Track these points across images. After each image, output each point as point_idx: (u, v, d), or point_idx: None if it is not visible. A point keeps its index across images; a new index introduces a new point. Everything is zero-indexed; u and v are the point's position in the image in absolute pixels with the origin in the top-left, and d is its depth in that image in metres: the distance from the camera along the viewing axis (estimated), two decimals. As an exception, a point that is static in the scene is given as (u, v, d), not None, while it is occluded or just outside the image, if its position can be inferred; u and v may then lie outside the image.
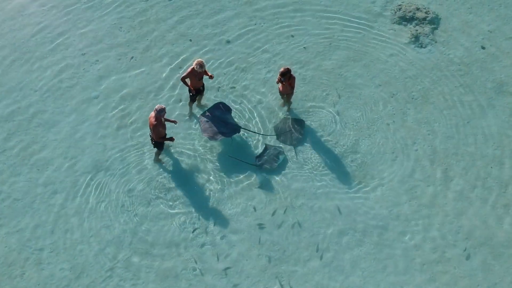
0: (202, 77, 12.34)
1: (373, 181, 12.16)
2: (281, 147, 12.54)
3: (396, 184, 12.11)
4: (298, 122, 12.83)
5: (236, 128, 12.45)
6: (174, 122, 12.13)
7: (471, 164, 12.31)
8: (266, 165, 12.31)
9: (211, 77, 12.40)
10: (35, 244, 11.48)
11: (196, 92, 12.61)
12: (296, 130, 12.72)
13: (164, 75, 13.80)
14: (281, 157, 12.38)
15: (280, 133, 12.75)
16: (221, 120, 12.39)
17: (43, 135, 12.90)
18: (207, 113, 12.50)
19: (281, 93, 12.79)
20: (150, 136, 11.98)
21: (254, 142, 12.78)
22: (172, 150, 12.64)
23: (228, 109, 12.60)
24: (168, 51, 14.21)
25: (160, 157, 12.46)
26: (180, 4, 15.07)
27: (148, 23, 14.72)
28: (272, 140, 12.78)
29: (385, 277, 11.08)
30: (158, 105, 11.41)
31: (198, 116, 12.64)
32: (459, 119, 12.94)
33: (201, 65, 11.82)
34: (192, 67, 12.01)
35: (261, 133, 12.79)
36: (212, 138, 12.26)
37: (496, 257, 11.19)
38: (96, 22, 14.76)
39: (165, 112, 11.43)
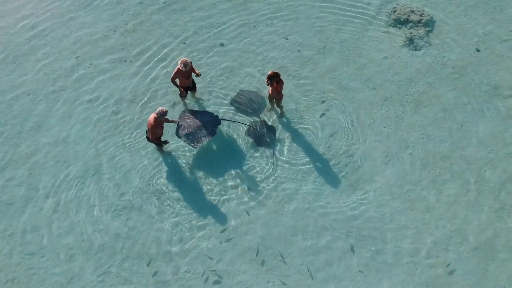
0: (190, 76, 12.41)
1: (366, 185, 12.11)
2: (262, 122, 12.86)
3: (390, 188, 12.06)
4: (254, 94, 13.17)
5: (216, 122, 12.39)
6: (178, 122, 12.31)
7: (464, 167, 12.26)
8: (266, 139, 12.59)
9: (198, 74, 12.41)
10: (26, 249, 11.45)
11: (186, 90, 12.70)
12: (253, 101, 13.01)
13: (157, 78, 13.76)
14: (272, 128, 12.75)
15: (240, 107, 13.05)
16: (198, 125, 12.28)
17: (35, 138, 12.86)
18: (181, 129, 12.24)
19: (270, 97, 12.74)
20: (147, 134, 12.00)
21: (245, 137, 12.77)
22: (166, 153, 12.59)
23: (194, 112, 12.47)
24: (162, 54, 14.17)
25: (160, 152, 12.53)
26: (174, 7, 15.04)
27: (142, 25, 14.68)
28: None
29: (378, 282, 11.03)
30: (161, 108, 11.46)
31: (178, 133, 12.33)
32: (453, 122, 12.89)
33: (185, 64, 11.85)
34: (177, 67, 12.05)
35: (237, 121, 12.95)
36: (198, 143, 12.14)
37: (489, 262, 11.14)
38: (90, 25, 14.73)
39: (166, 116, 11.56)
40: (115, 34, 14.53)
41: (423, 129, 12.81)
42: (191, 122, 12.23)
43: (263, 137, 12.64)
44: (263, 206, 11.95)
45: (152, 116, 11.57)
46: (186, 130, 12.15)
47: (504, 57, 13.83)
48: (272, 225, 11.73)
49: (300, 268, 11.21)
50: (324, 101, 13.27)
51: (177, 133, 12.21)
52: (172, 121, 12.18)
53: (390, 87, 13.47)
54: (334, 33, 14.44)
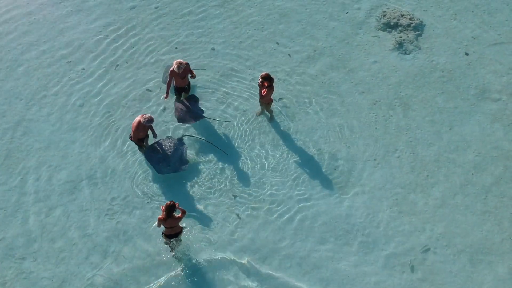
0: (185, 77, 12.67)
1: (354, 188, 12.21)
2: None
3: (377, 191, 12.16)
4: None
5: (181, 143, 12.53)
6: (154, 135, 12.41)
7: (452, 171, 12.37)
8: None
9: (193, 76, 12.71)
10: (17, 253, 11.54)
11: (181, 90, 12.95)
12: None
13: (149, 83, 13.87)
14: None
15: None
16: (166, 154, 12.34)
17: (27, 143, 12.97)
18: (152, 161, 12.34)
19: (260, 101, 12.85)
20: (130, 136, 12.17)
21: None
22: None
23: (158, 145, 12.51)
24: (154, 58, 14.28)
25: (141, 152, 12.67)
26: (165, 12, 15.16)
27: (134, 31, 14.80)
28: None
29: (365, 285, 11.13)
30: (148, 114, 11.66)
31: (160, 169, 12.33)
32: (441, 125, 13.00)
33: (178, 66, 12.17)
34: (172, 67, 12.33)
35: (203, 138, 12.95)
36: (168, 171, 12.28)
37: (475, 264, 11.24)
38: (82, 30, 14.84)
39: (151, 123, 11.71)
40: (107, 39, 14.65)
41: (411, 132, 12.92)
42: (158, 155, 12.33)
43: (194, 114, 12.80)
44: (252, 209, 12.05)
45: (137, 119, 11.75)
46: (164, 161, 12.26)
47: (492, 60, 13.94)
48: (261, 228, 11.82)
49: (288, 270, 11.30)
50: (312, 105, 13.36)
51: (158, 171, 12.22)
52: (153, 133, 12.26)
53: (379, 91, 13.58)
54: (324, 37, 14.55)
